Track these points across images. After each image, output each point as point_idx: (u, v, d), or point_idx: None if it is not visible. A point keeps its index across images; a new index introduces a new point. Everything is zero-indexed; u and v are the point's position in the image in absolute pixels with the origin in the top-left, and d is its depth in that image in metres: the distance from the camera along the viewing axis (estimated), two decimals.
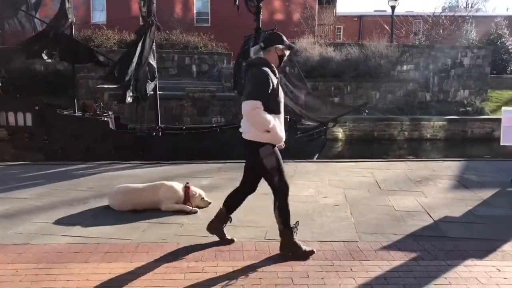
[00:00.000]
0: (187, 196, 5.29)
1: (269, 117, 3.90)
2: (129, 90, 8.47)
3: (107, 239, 4.39)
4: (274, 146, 4.04)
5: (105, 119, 9.61)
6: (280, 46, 4.09)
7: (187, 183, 5.45)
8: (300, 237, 4.40)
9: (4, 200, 5.68)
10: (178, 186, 5.39)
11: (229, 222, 4.38)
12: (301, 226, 4.73)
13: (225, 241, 4.31)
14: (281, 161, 4.06)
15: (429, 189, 6.36)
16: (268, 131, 3.92)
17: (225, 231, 4.34)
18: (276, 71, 4.06)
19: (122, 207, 5.28)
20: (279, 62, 4.16)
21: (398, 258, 3.99)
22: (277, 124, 3.98)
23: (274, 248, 4.15)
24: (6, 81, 9.64)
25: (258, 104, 3.82)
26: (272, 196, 4.11)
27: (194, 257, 3.96)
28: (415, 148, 16.23)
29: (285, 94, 10.53)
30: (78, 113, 9.89)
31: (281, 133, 4.05)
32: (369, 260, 3.96)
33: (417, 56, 19.28)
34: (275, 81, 3.96)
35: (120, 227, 4.73)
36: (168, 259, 3.91)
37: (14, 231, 4.61)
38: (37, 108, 9.20)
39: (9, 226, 4.75)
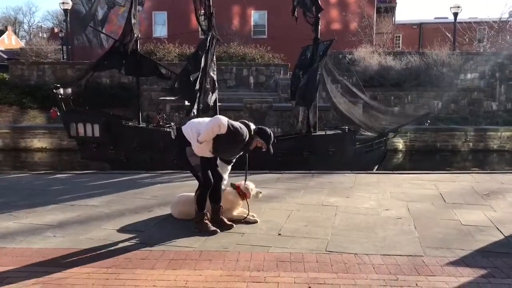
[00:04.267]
0: (242, 193, 5.33)
1: (209, 137, 4.69)
2: (195, 103, 8.71)
3: (171, 246, 4.53)
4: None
5: (168, 130, 9.92)
6: (263, 144, 4.93)
7: (232, 184, 5.46)
8: (362, 250, 4.36)
9: (75, 207, 6.00)
10: (231, 193, 5.40)
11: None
12: (363, 238, 4.70)
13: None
14: (204, 161, 4.91)
15: (498, 203, 6.07)
16: (198, 141, 4.72)
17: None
18: (244, 147, 4.94)
19: (183, 215, 5.41)
20: (252, 148, 4.98)
21: (467, 275, 3.84)
22: (205, 150, 4.81)
23: (336, 260, 4.12)
24: (76, 95, 10.18)
25: (224, 127, 4.63)
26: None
27: (255, 267, 3.99)
28: (481, 160, 15.52)
29: (347, 103, 10.49)
30: (142, 124, 10.28)
31: (201, 153, 4.85)
32: (435, 275, 3.83)
33: (482, 64, 18.54)
34: (237, 145, 4.89)
35: (183, 235, 4.85)
36: (230, 268, 3.98)
37: (85, 236, 4.85)
38: (104, 119, 9.66)
39: (81, 231, 5.01)
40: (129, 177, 7.96)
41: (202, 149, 4.82)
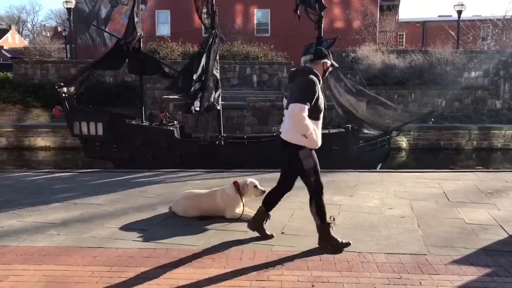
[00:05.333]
0: (239, 190, 5.28)
1: (310, 123, 4.23)
2: (196, 101, 8.72)
3: (175, 245, 4.53)
4: (311, 149, 4.39)
5: (171, 128, 9.93)
6: (328, 62, 4.52)
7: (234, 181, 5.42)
8: (366, 249, 4.36)
9: (79, 206, 6.02)
10: (231, 189, 5.35)
11: (268, 219, 4.73)
12: (366, 237, 4.70)
13: (265, 236, 4.65)
14: (317, 162, 4.44)
15: (502, 202, 6.04)
16: (305, 136, 4.26)
17: (264, 227, 4.70)
18: (321, 80, 4.45)
19: (186, 213, 5.40)
20: (323, 74, 4.55)
21: (471, 273, 3.82)
22: (315, 130, 4.33)
23: (340, 259, 4.12)
24: (80, 93, 10.20)
25: (306, 108, 4.17)
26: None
27: (259, 266, 3.98)
28: (485, 158, 15.47)
29: (350, 100, 10.46)
30: (145, 123, 10.29)
31: (318, 139, 4.39)
32: (439, 274, 3.82)
33: (486, 62, 18.46)
34: (319, 90, 4.34)
35: (187, 233, 4.85)
36: (234, 266, 3.97)
37: (88, 235, 4.86)
38: (107, 118, 9.67)
39: (84, 230, 5.02)
40: (133, 175, 7.98)
41: (314, 136, 4.29)
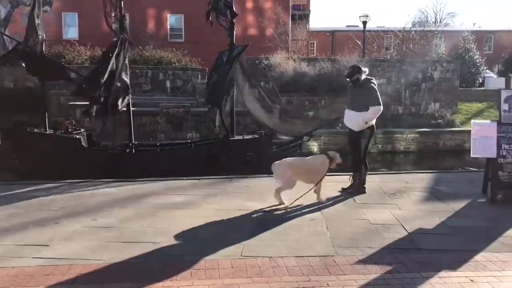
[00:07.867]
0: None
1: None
2: (95, 106, 8.40)
3: (79, 260, 4.27)
4: None
5: (77, 136, 9.43)
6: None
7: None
8: (277, 253, 4.41)
9: None
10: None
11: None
12: (277, 241, 4.75)
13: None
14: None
15: (403, 202, 6.44)
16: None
17: None
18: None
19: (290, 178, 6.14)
20: None
21: (374, 272, 4.01)
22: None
23: (251, 265, 4.12)
24: None
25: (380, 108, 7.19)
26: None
27: (168, 277, 3.88)
28: (389, 161, 16.45)
29: (262, 108, 10.64)
30: (49, 131, 9.67)
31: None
32: (345, 274, 3.96)
33: (389, 70, 19.66)
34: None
35: (92, 247, 4.61)
36: (142, 279, 3.83)
37: None
38: (6, 126, 8.98)
39: None
40: (34, 187, 7.42)
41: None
